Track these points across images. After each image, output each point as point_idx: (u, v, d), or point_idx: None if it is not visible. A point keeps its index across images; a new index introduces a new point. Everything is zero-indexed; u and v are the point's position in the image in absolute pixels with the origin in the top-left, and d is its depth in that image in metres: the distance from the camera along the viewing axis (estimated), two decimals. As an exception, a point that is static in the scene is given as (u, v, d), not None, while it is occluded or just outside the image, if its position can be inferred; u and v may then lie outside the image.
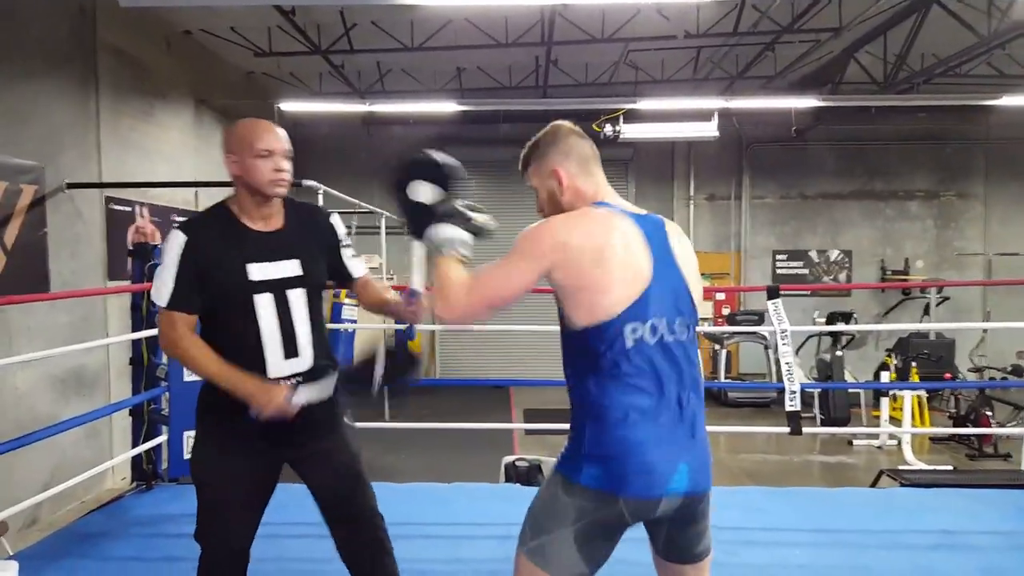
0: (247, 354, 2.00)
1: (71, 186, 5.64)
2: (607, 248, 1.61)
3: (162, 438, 4.03)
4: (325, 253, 2.16)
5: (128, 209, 6.50)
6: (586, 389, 1.62)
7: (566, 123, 1.82)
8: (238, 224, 2.04)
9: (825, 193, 11.64)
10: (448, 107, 8.52)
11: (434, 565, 3.08)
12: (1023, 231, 11.24)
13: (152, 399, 4.03)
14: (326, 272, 2.17)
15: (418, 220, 1.79)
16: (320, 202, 6.41)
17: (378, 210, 9.01)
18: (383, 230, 9.40)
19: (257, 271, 2.00)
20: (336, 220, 2.25)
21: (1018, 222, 11.44)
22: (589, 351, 1.61)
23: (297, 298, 2.05)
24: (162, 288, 1.98)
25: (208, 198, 7.82)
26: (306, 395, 1.98)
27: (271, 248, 2.04)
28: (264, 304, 2.00)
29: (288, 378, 2.03)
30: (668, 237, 1.72)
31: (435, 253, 1.76)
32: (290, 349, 2.04)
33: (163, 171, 7.11)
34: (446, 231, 1.77)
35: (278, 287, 2.02)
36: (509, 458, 5.18)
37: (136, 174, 6.59)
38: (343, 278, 2.26)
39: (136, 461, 4.06)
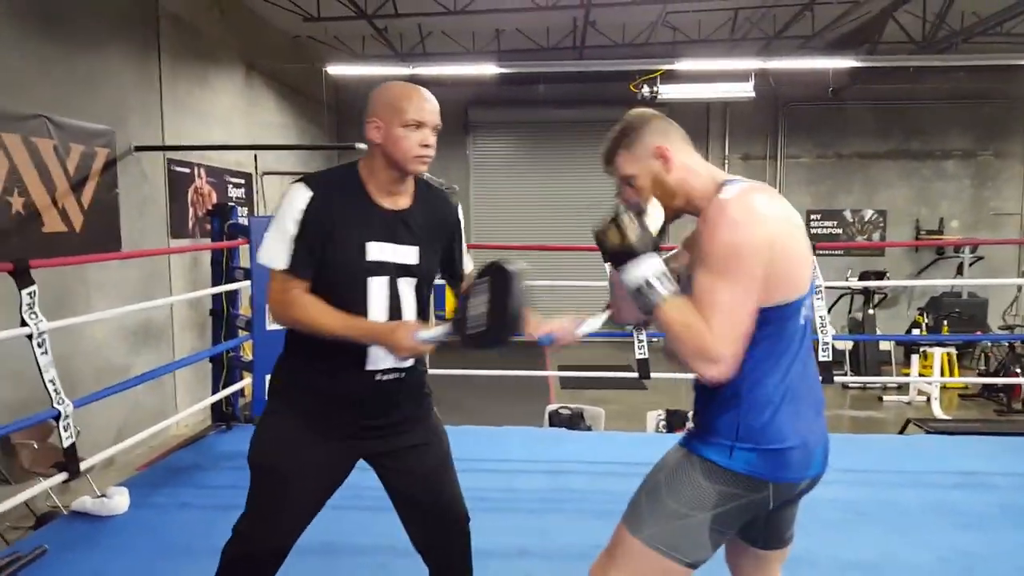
0: (346, 342, 1.82)
1: (138, 149, 5.98)
2: (793, 222, 1.51)
3: (243, 382, 4.39)
4: (443, 244, 1.98)
5: (187, 171, 6.84)
6: (744, 372, 1.48)
7: (647, 109, 1.69)
8: (365, 195, 1.84)
9: (861, 153, 11.64)
10: (488, 69, 8.69)
11: (492, 493, 3.41)
12: (1061, 191, 11.18)
13: (232, 348, 4.38)
14: (437, 266, 2.00)
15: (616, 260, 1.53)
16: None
17: (419, 171, 9.26)
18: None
19: (375, 251, 1.82)
20: (460, 211, 2.07)
21: (1057, 181, 11.37)
22: (762, 331, 1.48)
23: (408, 287, 1.88)
24: (276, 247, 1.78)
25: (262, 162, 8.15)
26: (431, 335, 1.77)
27: (394, 229, 1.85)
28: (376, 288, 1.82)
29: (386, 372, 1.85)
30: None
31: (648, 296, 1.48)
32: None
33: (217, 134, 7.43)
34: (651, 263, 1.49)
35: (392, 272, 1.84)
36: (552, 406, 5.51)
37: (193, 137, 6.91)
38: (451, 274, 2.09)
39: (216, 405, 4.43)
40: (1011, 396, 7.56)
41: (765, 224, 1.45)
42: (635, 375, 4.29)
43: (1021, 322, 9.65)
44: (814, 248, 4.29)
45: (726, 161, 11.83)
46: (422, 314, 1.92)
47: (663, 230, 1.57)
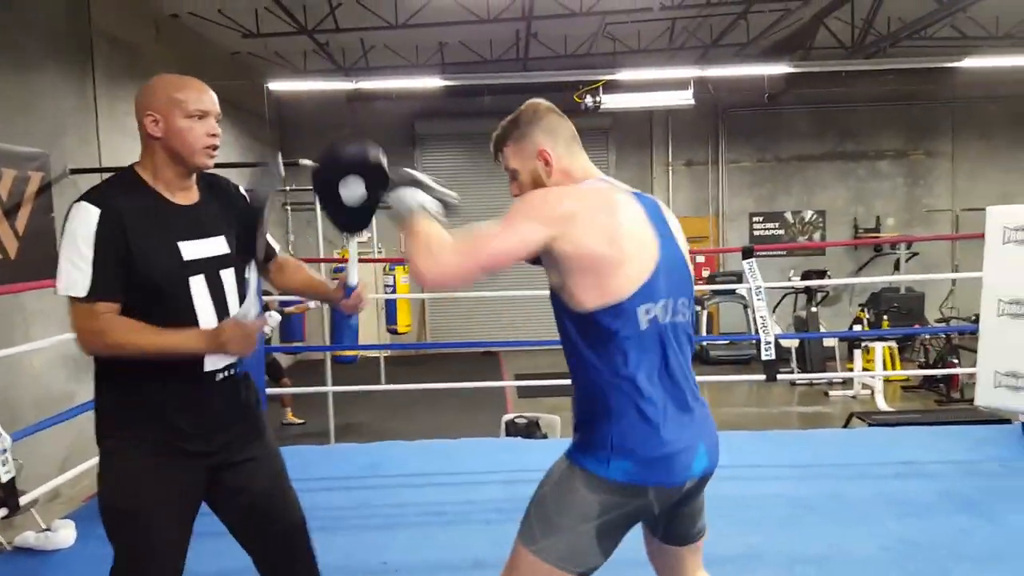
0: None
1: (74, 171, 5.82)
2: (617, 221, 1.52)
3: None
4: (242, 230, 1.87)
5: (127, 192, 6.68)
6: (597, 379, 1.53)
7: (543, 101, 1.70)
8: (156, 196, 1.75)
9: (799, 156, 11.98)
10: (431, 82, 8.72)
11: (448, 507, 3.42)
12: (989, 186, 11.61)
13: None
14: (249, 248, 1.89)
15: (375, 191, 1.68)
16: (315, 180, 6.63)
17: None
18: (372, 205, 9.63)
19: (189, 250, 1.74)
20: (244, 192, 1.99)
21: (984, 177, 11.84)
22: (599, 337, 1.51)
23: (228, 278, 1.81)
24: (73, 274, 1.64)
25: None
26: (251, 310, 1.74)
27: (196, 224, 1.78)
28: (199, 287, 1.75)
29: (225, 369, 1.80)
30: (664, 215, 1.66)
31: (407, 215, 1.61)
32: None
33: (157, 154, 7.27)
34: (417, 195, 1.64)
35: (210, 267, 1.78)
36: (508, 416, 5.53)
37: (132, 158, 6.69)
38: (261, 258, 1.98)
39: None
40: (950, 386, 7.85)
41: (564, 201, 1.54)
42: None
43: (957, 314, 10.03)
44: (756, 250, 4.45)
45: (670, 167, 12.06)
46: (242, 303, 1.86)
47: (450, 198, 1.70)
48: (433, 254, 1.51)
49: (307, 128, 11.19)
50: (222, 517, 1.90)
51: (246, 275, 1.83)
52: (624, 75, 8.75)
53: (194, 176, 1.82)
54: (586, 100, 9.60)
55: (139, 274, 1.67)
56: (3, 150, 5.02)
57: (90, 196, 1.69)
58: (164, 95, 1.72)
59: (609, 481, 1.50)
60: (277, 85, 8.78)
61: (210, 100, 1.77)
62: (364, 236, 1.84)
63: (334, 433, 6.68)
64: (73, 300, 1.66)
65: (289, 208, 11.41)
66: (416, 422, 7.21)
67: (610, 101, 9.75)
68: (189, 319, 1.72)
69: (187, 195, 1.80)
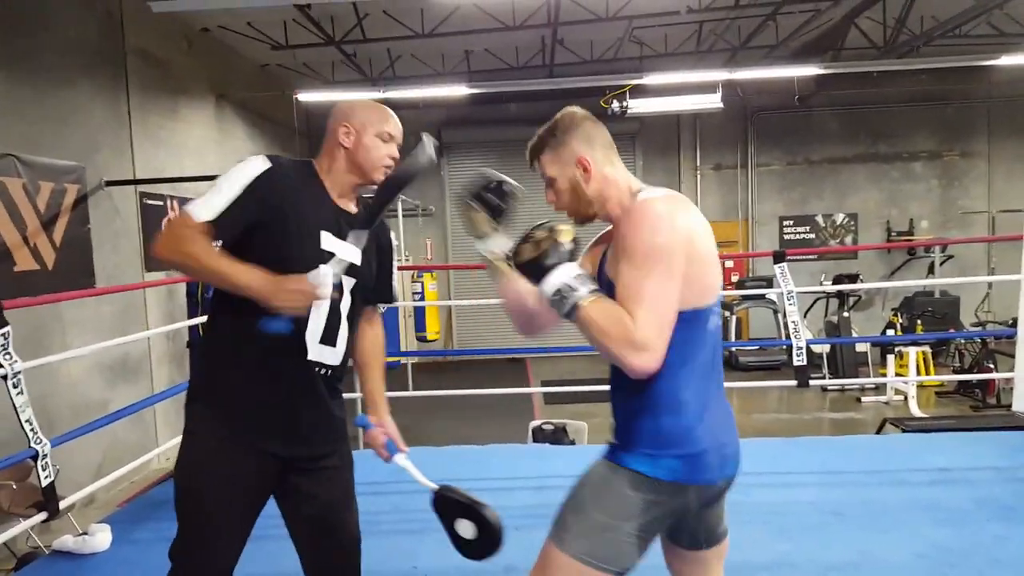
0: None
1: (109, 183, 5.96)
2: (704, 230, 1.56)
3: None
4: (377, 261, 1.96)
5: (160, 203, 6.82)
6: (659, 379, 1.51)
7: (579, 109, 1.70)
8: (322, 187, 1.84)
9: (830, 158, 11.83)
10: (458, 90, 8.76)
11: (478, 514, 3.42)
12: (1026, 187, 11.40)
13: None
14: (373, 277, 1.95)
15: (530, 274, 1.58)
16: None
17: (394, 193, 9.30)
18: (400, 213, 9.71)
19: (328, 241, 1.78)
20: (392, 236, 2.08)
21: (1021, 178, 11.59)
22: (675, 336, 1.49)
23: (348, 287, 1.85)
24: (213, 198, 1.67)
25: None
26: (328, 278, 1.67)
27: (346, 227, 1.81)
28: None
29: (320, 367, 1.82)
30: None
31: (568, 297, 1.50)
32: (330, 336, 1.82)
33: (189, 165, 7.42)
34: (566, 269, 1.53)
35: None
36: (535, 422, 5.53)
37: (165, 169, 6.90)
38: (379, 295, 2.02)
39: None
40: (986, 391, 7.68)
41: (684, 226, 1.51)
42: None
43: (993, 318, 9.82)
44: (787, 255, 4.40)
45: (698, 172, 11.99)
46: (353, 320, 1.89)
47: (576, 242, 1.59)
48: (632, 340, 1.43)
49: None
50: (284, 514, 1.92)
51: (363, 294, 1.90)
52: (651, 79, 8.72)
53: (357, 193, 1.91)
54: (613, 105, 9.58)
55: (274, 238, 1.71)
56: (40, 164, 5.15)
57: (270, 156, 1.77)
58: (363, 114, 1.86)
59: (655, 480, 1.52)
60: (306, 96, 8.88)
61: (398, 130, 1.91)
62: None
63: (361, 438, 6.71)
64: (186, 215, 1.67)
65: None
66: (444, 428, 7.23)
67: (637, 106, 9.70)
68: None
69: (347, 203, 1.88)
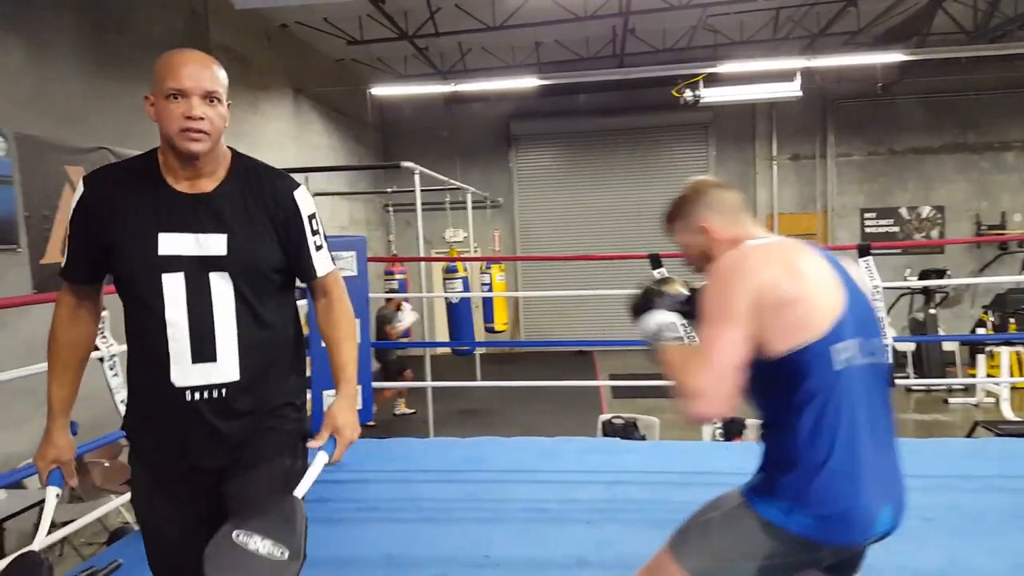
0: (148, 352, 1.56)
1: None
2: (796, 264, 1.52)
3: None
4: (274, 233, 1.62)
5: (240, 195, 7.02)
6: (788, 428, 1.49)
7: (708, 177, 1.79)
8: (159, 182, 1.58)
9: (915, 148, 11.34)
10: (528, 82, 8.74)
11: (551, 504, 3.40)
12: None
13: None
14: (274, 255, 1.63)
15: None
16: (416, 182, 6.79)
17: (464, 186, 9.37)
18: (469, 205, 9.77)
19: (169, 243, 1.54)
20: (302, 195, 1.67)
21: None
22: (791, 382, 1.47)
23: (222, 284, 1.56)
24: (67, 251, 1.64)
25: (312, 184, 8.34)
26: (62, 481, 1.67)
27: (194, 217, 1.55)
28: (173, 287, 1.53)
29: (201, 390, 1.55)
30: (841, 263, 1.61)
31: (656, 340, 1.65)
32: (204, 351, 1.55)
33: (268, 158, 7.45)
34: (662, 316, 1.69)
35: (195, 267, 1.55)
36: (605, 416, 5.48)
37: (245, 162, 7.09)
38: (300, 273, 1.70)
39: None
40: (1086, 394, 7.26)
41: (753, 277, 1.51)
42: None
43: (1093, 317, 9.25)
44: (870, 248, 4.23)
45: (774, 162, 11.67)
46: (256, 316, 1.60)
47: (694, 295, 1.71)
48: (685, 388, 1.49)
49: (407, 131, 11.48)
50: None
51: (261, 282, 1.62)
52: (726, 68, 8.51)
53: (211, 164, 1.59)
54: (685, 94, 9.39)
55: (114, 261, 1.57)
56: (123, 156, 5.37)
57: (90, 174, 1.62)
58: (154, 77, 1.53)
59: (786, 532, 1.47)
60: (379, 90, 9.02)
61: (187, 75, 1.50)
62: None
63: (433, 426, 6.81)
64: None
65: (391, 209, 11.73)
66: (512, 418, 7.26)
67: (710, 95, 9.48)
68: (157, 318, 1.53)
69: (196, 184, 1.58)
